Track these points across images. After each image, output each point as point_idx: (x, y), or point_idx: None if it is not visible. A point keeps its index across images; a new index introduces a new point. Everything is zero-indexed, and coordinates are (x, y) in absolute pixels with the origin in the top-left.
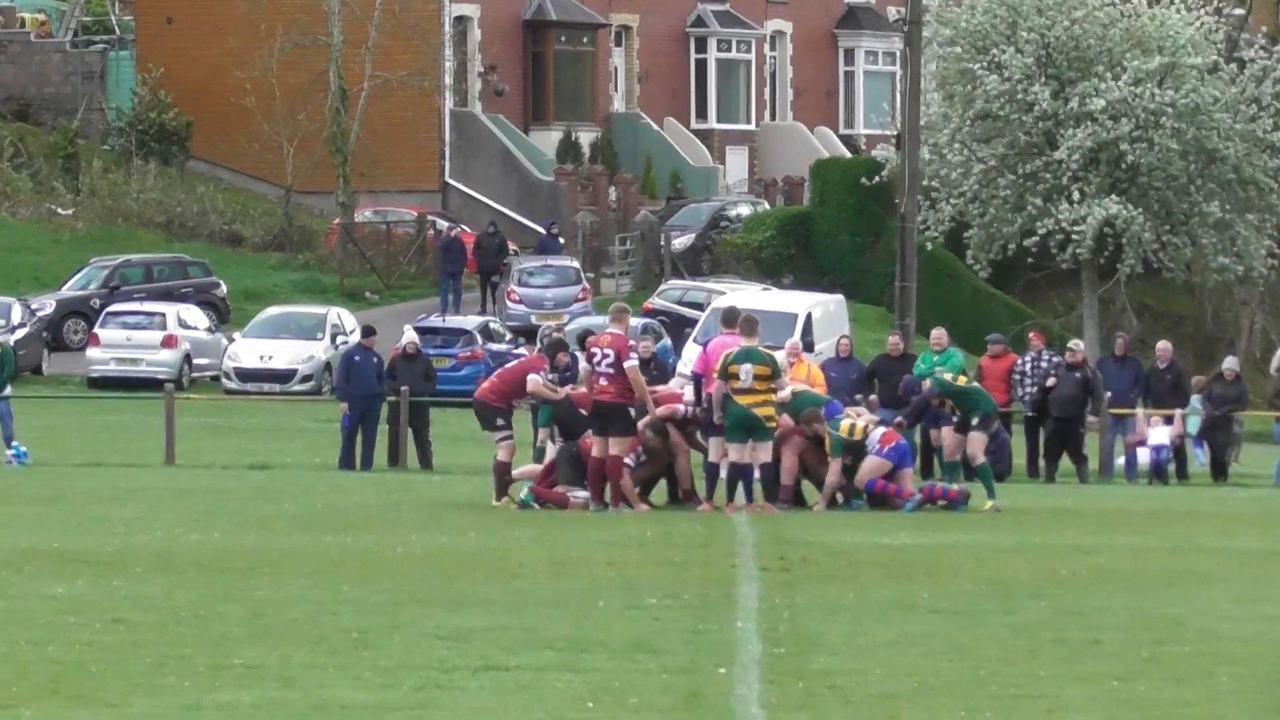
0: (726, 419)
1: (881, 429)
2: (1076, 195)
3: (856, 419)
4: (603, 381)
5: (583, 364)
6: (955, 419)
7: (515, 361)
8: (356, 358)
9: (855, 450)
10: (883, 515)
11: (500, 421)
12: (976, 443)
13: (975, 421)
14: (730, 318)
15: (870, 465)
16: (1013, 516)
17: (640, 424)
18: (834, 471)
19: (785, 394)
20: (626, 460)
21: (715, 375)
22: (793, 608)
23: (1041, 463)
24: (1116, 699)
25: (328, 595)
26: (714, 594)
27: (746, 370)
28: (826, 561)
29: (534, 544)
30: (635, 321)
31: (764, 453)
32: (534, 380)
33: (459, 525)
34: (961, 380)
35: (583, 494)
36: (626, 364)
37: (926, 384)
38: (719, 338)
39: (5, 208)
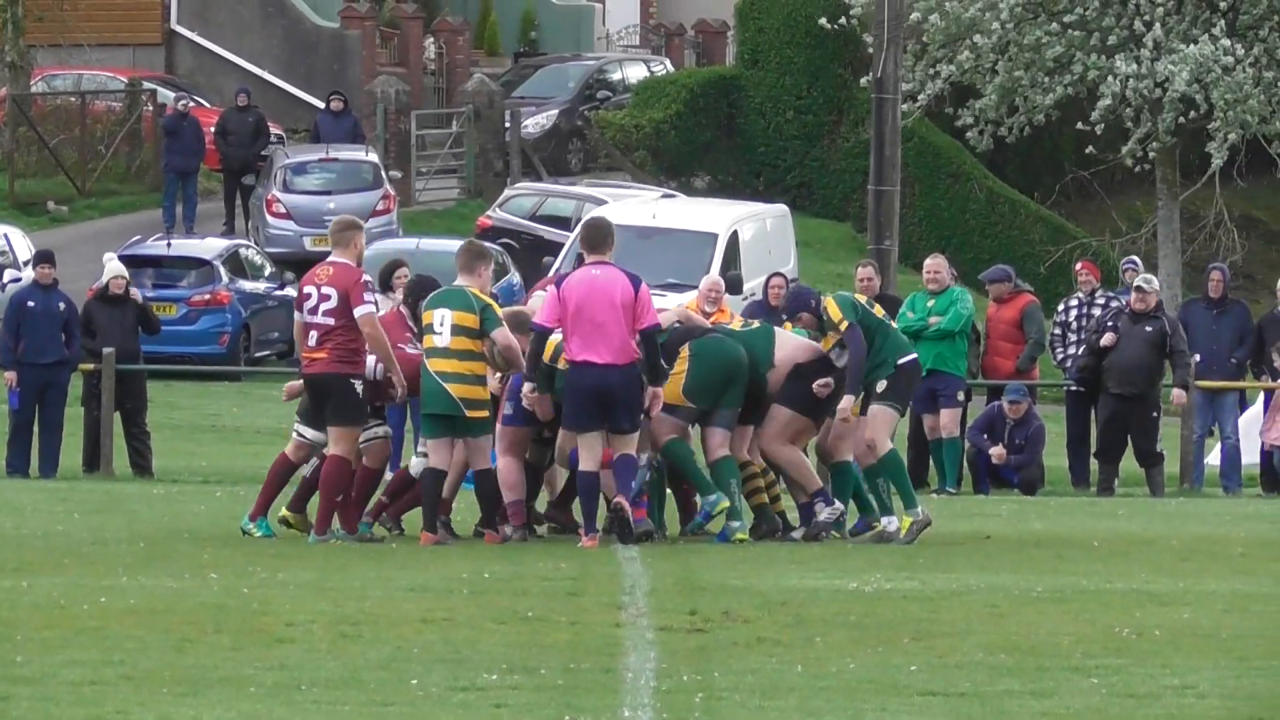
0: (424, 399)
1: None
2: (1151, 42)
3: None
4: (311, 341)
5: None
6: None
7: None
8: (30, 302)
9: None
10: (842, 547)
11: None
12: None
13: (880, 389)
14: (595, 237)
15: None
16: (1048, 548)
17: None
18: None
19: (667, 317)
20: (507, 410)
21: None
22: (709, 689)
23: (1093, 463)
24: None
25: None
26: (587, 667)
27: (443, 319)
28: (763, 618)
29: (311, 591)
30: None
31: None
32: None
33: (194, 562)
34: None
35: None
36: (359, 310)
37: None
38: (579, 271)
39: None
